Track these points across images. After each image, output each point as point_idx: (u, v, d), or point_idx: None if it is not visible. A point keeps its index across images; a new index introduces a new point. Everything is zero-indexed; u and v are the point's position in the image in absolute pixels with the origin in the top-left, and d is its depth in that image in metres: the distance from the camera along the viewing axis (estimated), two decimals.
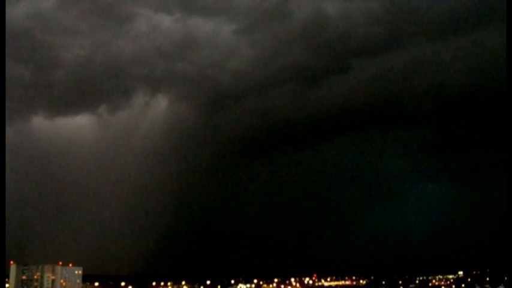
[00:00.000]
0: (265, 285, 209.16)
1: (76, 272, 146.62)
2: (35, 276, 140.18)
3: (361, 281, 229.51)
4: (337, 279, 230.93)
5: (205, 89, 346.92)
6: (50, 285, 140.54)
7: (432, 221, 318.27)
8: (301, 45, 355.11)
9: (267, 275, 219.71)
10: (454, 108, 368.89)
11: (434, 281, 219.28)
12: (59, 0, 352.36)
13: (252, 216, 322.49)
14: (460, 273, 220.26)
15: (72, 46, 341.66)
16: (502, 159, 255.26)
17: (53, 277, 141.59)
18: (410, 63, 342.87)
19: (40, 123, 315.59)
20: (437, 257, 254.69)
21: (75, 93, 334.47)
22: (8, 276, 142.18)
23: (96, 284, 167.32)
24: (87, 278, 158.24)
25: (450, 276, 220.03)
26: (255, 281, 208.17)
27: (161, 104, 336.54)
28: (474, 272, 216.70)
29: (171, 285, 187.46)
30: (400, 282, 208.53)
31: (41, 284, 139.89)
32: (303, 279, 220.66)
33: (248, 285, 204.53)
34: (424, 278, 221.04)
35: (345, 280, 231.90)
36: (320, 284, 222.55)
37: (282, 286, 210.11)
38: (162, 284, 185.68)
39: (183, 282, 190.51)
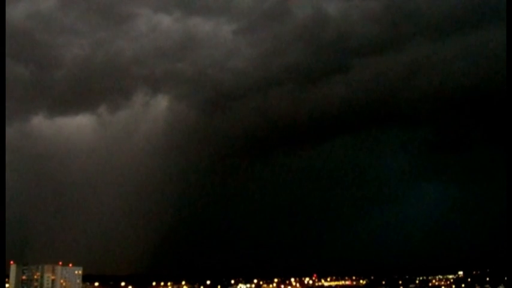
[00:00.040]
0: (265, 285, 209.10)
1: (76, 272, 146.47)
2: (35, 276, 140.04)
3: (361, 281, 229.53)
4: (337, 279, 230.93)
5: (205, 89, 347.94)
6: (50, 285, 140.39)
7: (432, 221, 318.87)
8: (301, 45, 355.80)
9: (267, 275, 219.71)
10: (454, 108, 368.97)
11: (434, 281, 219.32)
12: (59, 0, 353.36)
13: (252, 216, 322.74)
14: (460, 273, 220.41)
15: (72, 46, 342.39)
16: (502, 159, 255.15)
17: (53, 277, 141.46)
18: (410, 63, 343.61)
19: (40, 123, 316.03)
20: (437, 257, 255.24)
21: (75, 93, 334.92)
22: (8, 276, 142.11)
23: (96, 284, 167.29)
24: (87, 278, 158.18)
25: (450, 276, 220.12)
26: (255, 281, 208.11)
27: (161, 104, 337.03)
28: (474, 272, 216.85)
29: (171, 285, 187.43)
30: (400, 282, 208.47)
31: (41, 284, 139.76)
32: (303, 279, 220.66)
33: (248, 285, 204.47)
34: (424, 278, 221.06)
35: (345, 280, 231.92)
36: (320, 284, 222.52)
37: (282, 286, 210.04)
38: (162, 284, 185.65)
39: (183, 282, 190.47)
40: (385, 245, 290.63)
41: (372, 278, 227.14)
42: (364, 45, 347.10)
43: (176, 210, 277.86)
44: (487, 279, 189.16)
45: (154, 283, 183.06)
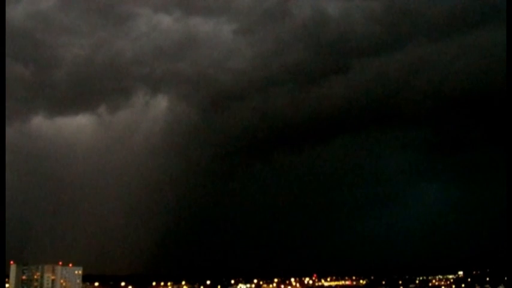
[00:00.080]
0: (265, 285, 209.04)
1: (76, 272, 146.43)
2: (35, 276, 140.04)
3: (361, 281, 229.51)
4: (337, 279, 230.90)
5: (205, 88, 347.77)
6: (50, 285, 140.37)
7: (432, 221, 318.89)
8: (301, 45, 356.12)
9: (267, 275, 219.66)
10: (454, 108, 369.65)
11: (434, 281, 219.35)
12: (59, 0, 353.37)
13: (252, 216, 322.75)
14: (460, 273, 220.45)
15: (72, 46, 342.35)
16: (502, 159, 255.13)
17: (53, 277, 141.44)
18: (410, 63, 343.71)
19: (40, 123, 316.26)
20: (437, 257, 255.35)
21: (75, 93, 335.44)
22: (8, 276, 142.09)
23: (96, 284, 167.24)
24: (87, 278, 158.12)
25: (450, 276, 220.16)
26: (255, 281, 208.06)
27: (161, 103, 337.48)
28: (474, 272, 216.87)
29: (171, 285, 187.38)
30: (400, 282, 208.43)
31: (41, 284, 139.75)
32: (303, 279, 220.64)
33: (248, 285, 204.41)
34: (424, 278, 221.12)
35: (345, 280, 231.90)
36: (320, 284, 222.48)
37: (282, 286, 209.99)
38: (162, 284, 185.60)
39: (183, 282, 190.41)
40: (385, 245, 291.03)
41: (372, 278, 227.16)
42: (364, 46, 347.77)
43: (176, 210, 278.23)
44: (487, 279, 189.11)
45: (154, 283, 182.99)
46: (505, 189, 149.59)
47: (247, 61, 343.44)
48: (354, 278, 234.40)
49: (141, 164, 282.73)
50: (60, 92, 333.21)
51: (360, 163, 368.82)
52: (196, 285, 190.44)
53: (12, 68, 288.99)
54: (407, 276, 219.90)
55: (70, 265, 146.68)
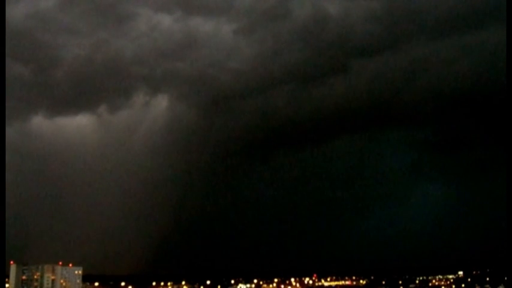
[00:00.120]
0: (265, 285, 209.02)
1: (76, 272, 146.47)
2: (35, 276, 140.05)
3: (361, 281, 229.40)
4: (337, 279, 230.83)
5: (205, 88, 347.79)
6: (50, 285, 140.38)
7: (432, 221, 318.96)
8: (301, 45, 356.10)
9: (267, 275, 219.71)
10: (454, 108, 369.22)
11: (434, 281, 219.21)
12: (59, 0, 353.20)
13: (252, 216, 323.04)
14: (460, 273, 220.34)
15: (72, 46, 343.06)
16: (502, 159, 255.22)
17: (53, 277, 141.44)
18: (410, 63, 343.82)
19: (40, 123, 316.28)
20: (437, 257, 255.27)
21: (75, 93, 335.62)
22: (8, 276, 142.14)
23: (96, 284, 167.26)
24: (87, 278, 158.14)
25: (450, 276, 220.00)
26: (255, 281, 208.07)
27: (161, 103, 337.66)
28: (474, 272, 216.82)
29: (171, 285, 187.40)
30: (400, 282, 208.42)
31: (41, 284, 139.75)
32: (303, 279, 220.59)
33: (248, 285, 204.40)
34: (424, 278, 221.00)
35: (345, 280, 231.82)
36: (320, 284, 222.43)
37: (282, 286, 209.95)
38: (162, 284, 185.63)
39: (183, 282, 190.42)
40: (385, 245, 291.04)
41: (372, 278, 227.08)
42: (364, 45, 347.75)
43: (176, 210, 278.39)
44: (487, 279, 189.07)
45: (154, 283, 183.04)
46: (505, 189, 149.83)
47: (247, 61, 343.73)
48: (354, 278, 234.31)
49: (141, 164, 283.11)
50: (60, 92, 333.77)
51: (360, 163, 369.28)
52: (196, 285, 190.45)
53: (12, 68, 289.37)
54: (407, 276, 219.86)
55: (70, 265, 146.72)
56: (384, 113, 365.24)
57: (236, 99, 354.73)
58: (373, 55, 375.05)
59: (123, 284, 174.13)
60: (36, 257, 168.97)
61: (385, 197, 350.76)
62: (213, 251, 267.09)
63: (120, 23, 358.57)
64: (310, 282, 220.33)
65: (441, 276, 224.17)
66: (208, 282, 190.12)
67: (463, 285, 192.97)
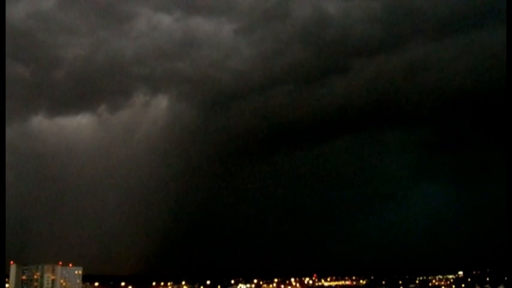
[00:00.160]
0: (265, 285, 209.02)
1: (76, 272, 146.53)
2: (35, 276, 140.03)
3: (361, 281, 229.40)
4: (337, 279, 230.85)
5: (205, 88, 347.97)
6: (50, 285, 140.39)
7: (432, 221, 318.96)
8: (301, 45, 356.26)
9: (267, 275, 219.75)
10: (454, 108, 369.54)
11: (434, 281, 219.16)
12: (59, 0, 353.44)
13: (252, 216, 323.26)
14: (460, 273, 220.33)
15: (73, 46, 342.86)
16: (501, 159, 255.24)
17: (53, 277, 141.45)
18: (410, 63, 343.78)
19: (40, 123, 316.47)
20: (437, 257, 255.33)
21: (75, 93, 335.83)
22: (8, 276, 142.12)
23: (96, 284, 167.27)
24: (87, 278, 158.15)
25: (450, 276, 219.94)
26: (255, 281, 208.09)
27: (161, 103, 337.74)
28: (474, 272, 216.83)
29: (171, 285, 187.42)
30: (400, 282, 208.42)
31: (41, 284, 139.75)
32: (303, 279, 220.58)
33: (248, 285, 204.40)
34: (424, 278, 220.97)
35: (345, 280, 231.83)
36: (320, 284, 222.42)
37: (282, 286, 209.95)
38: (162, 284, 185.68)
39: (183, 282, 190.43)
40: (385, 245, 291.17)
41: (372, 278, 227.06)
42: (364, 45, 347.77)
43: (176, 210, 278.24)
44: (487, 279, 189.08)
45: (154, 283, 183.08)
46: (505, 189, 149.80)
47: (247, 61, 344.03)
48: (354, 278, 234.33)
49: (141, 163, 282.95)
50: (60, 92, 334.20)
51: (360, 163, 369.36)
52: (196, 285, 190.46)
53: (12, 68, 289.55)
54: (407, 276, 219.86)
55: (70, 265, 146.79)
56: (384, 113, 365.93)
57: (236, 99, 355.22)
58: (373, 55, 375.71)
59: (123, 284, 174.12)
60: (36, 257, 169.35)
61: (385, 197, 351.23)
62: (213, 251, 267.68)
63: (120, 23, 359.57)
64: (310, 282, 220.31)
65: (441, 276, 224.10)
66: (208, 282, 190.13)
67: (463, 285, 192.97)
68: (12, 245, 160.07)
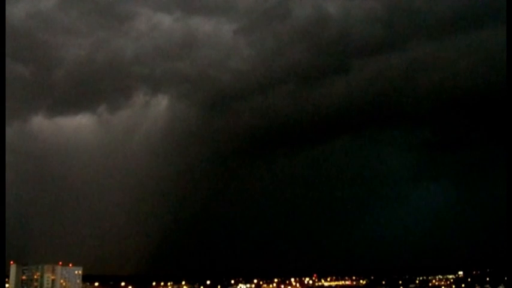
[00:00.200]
0: (265, 285, 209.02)
1: (76, 272, 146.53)
2: (35, 276, 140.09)
3: (361, 281, 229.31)
4: (337, 279, 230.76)
5: (205, 88, 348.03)
6: (50, 285, 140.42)
7: (432, 221, 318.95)
8: (301, 45, 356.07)
9: (267, 275, 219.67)
10: (454, 108, 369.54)
11: (434, 281, 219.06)
12: (59, 0, 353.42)
13: (252, 217, 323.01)
14: (460, 273, 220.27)
15: (73, 46, 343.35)
16: (501, 159, 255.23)
17: (53, 277, 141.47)
18: (410, 63, 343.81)
19: (40, 123, 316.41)
20: (437, 257, 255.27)
21: (75, 93, 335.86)
22: (8, 276, 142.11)
23: (96, 284, 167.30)
24: (87, 278, 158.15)
25: (450, 276, 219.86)
26: (255, 281, 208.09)
27: (161, 103, 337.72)
28: (474, 272, 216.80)
29: (171, 285, 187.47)
30: (400, 282, 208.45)
31: (41, 284, 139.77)
32: (303, 279, 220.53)
33: (248, 285, 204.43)
34: (424, 278, 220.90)
35: (345, 280, 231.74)
36: (320, 284, 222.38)
37: (282, 286, 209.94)
38: (162, 284, 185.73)
39: (183, 282, 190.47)
40: (385, 245, 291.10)
41: (372, 278, 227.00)
42: (364, 45, 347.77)
43: (176, 210, 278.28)
44: (487, 279, 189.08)
45: (154, 283, 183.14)
46: (505, 189, 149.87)
47: (247, 61, 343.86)
48: (354, 278, 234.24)
49: (141, 164, 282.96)
50: (60, 92, 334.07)
51: (360, 163, 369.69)
52: (196, 285, 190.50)
53: (12, 68, 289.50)
54: (407, 276, 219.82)
55: (70, 265, 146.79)
56: (383, 113, 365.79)
57: (236, 99, 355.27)
58: (373, 55, 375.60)
59: (123, 284, 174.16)
60: (36, 257, 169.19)
61: (385, 197, 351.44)
62: (213, 251, 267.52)
63: (120, 22, 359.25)
64: (310, 282, 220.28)
65: (441, 276, 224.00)
66: (208, 282, 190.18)
67: (463, 285, 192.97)
68: (12, 245, 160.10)
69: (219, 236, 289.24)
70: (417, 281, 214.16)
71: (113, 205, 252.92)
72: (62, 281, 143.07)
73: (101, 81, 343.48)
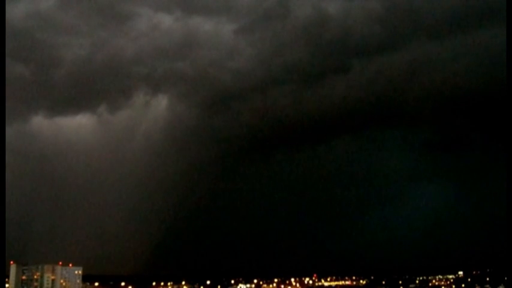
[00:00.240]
0: (265, 285, 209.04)
1: (76, 272, 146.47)
2: (35, 276, 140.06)
3: (361, 281, 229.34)
4: (337, 279, 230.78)
5: (205, 88, 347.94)
6: (50, 285, 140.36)
7: (432, 221, 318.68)
8: (301, 45, 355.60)
9: (267, 275, 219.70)
10: (454, 108, 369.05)
11: (434, 281, 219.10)
12: (59, 0, 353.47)
13: (252, 217, 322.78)
14: (460, 273, 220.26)
15: (72, 45, 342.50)
16: (501, 159, 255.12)
17: (53, 277, 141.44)
18: (410, 63, 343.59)
19: (40, 123, 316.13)
20: (437, 257, 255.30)
21: (75, 92, 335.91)
22: (8, 276, 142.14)
23: (96, 284, 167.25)
24: (87, 278, 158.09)
25: (450, 276, 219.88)
26: (255, 281, 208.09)
27: (161, 103, 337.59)
28: (474, 272, 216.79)
29: (171, 285, 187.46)
30: (400, 282, 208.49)
31: (41, 284, 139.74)
32: (303, 279, 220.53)
33: (248, 285, 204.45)
34: (424, 278, 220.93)
35: (345, 280, 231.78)
36: (320, 284, 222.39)
37: (282, 286, 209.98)
38: (162, 284, 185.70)
39: (183, 282, 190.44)
40: (385, 245, 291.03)
41: (372, 278, 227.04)
42: (364, 45, 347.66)
43: (176, 210, 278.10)
44: (487, 279, 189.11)
45: (154, 283, 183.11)
46: (504, 189, 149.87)
47: (247, 61, 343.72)
48: (354, 278, 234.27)
49: (141, 163, 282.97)
50: (60, 92, 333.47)
51: (360, 163, 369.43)
52: (196, 285, 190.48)
53: (12, 68, 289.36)
54: (407, 276, 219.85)
55: (70, 265, 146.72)
56: (383, 113, 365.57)
57: (236, 99, 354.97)
58: (373, 55, 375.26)
59: (123, 284, 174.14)
60: (36, 257, 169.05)
61: (385, 197, 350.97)
62: (213, 251, 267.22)
63: (120, 22, 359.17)
64: (310, 282, 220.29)
65: (441, 276, 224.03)
66: (208, 282, 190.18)
67: (463, 285, 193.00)
68: (12, 245, 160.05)
69: (219, 236, 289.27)
70: (417, 281, 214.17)
71: (112, 205, 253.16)
72: (62, 281, 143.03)
73: (101, 81, 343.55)
